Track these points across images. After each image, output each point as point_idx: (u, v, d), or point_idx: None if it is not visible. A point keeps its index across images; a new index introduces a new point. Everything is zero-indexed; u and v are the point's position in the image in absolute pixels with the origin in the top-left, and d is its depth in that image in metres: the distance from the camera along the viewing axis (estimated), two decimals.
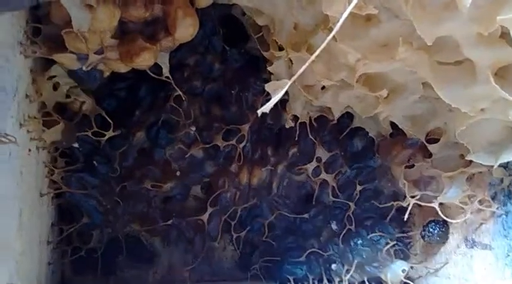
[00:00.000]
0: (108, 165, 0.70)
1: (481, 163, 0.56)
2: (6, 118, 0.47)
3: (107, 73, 0.58)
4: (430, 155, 0.62)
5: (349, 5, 0.38)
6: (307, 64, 0.43)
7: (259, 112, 0.46)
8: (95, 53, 0.53)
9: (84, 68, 0.54)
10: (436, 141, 0.60)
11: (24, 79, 0.53)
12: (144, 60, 0.55)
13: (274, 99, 0.44)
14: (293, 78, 0.45)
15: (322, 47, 0.40)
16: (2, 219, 0.48)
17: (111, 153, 0.70)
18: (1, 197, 0.48)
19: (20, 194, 0.52)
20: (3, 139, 0.42)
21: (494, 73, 0.46)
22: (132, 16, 0.53)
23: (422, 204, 0.63)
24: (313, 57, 0.41)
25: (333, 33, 0.40)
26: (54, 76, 0.57)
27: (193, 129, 0.72)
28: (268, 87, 0.57)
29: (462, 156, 0.59)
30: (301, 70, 0.43)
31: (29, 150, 0.55)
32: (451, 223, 0.65)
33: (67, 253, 0.71)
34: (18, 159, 0.51)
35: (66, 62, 0.54)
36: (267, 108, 0.45)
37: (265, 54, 0.66)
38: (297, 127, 0.71)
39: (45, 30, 0.53)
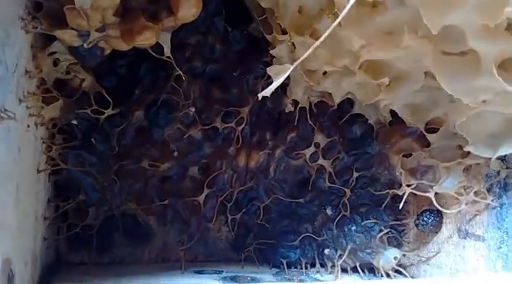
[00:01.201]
0: (106, 143, 0.69)
1: (478, 155, 0.56)
2: (6, 93, 0.47)
3: (107, 51, 0.57)
4: (428, 144, 0.62)
5: None
6: (310, 50, 0.42)
7: (259, 95, 0.46)
8: (96, 31, 0.52)
9: (85, 45, 0.53)
10: (435, 130, 0.60)
11: (24, 54, 0.52)
12: (145, 39, 0.55)
13: (276, 83, 0.44)
14: (295, 63, 0.44)
15: (327, 32, 0.39)
16: None
17: (110, 131, 0.69)
18: None
19: (17, 170, 0.52)
20: (2, 114, 0.42)
21: (497, 65, 0.46)
22: None
23: (418, 193, 0.63)
24: (317, 42, 0.41)
25: (339, 18, 0.40)
26: (55, 53, 0.56)
27: (193, 110, 0.72)
28: (270, 70, 0.57)
29: (460, 147, 0.60)
30: (305, 55, 0.43)
31: (28, 126, 0.55)
32: (445, 213, 0.66)
33: (62, 229, 0.72)
34: (17, 135, 0.50)
35: (67, 39, 0.53)
36: (268, 92, 0.45)
37: (268, 37, 0.65)
38: (297, 112, 0.71)
39: (46, 6, 0.52)
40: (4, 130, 0.47)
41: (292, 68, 0.43)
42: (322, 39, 0.40)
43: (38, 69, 0.55)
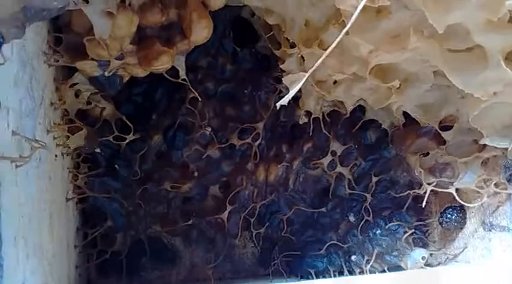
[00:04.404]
0: (128, 168, 0.71)
1: (495, 147, 0.57)
2: (36, 125, 0.49)
3: (126, 78, 0.59)
4: (444, 142, 0.63)
5: None
6: (323, 57, 0.44)
7: (277, 105, 0.47)
8: (115, 59, 0.55)
9: (106, 74, 0.55)
10: (449, 128, 0.61)
11: (49, 87, 0.54)
12: (162, 64, 0.57)
13: (293, 91, 0.46)
14: (310, 70, 0.46)
15: (338, 39, 0.41)
16: (35, 223, 0.50)
17: (131, 157, 0.71)
18: (33, 201, 0.49)
19: (49, 198, 0.54)
20: (35, 144, 0.44)
21: (504, 57, 0.48)
22: (149, 21, 0.55)
23: (439, 190, 0.64)
24: (329, 50, 0.43)
25: (349, 25, 0.42)
26: (76, 84, 0.59)
27: (209, 129, 0.74)
28: (285, 80, 0.59)
29: (476, 141, 0.61)
30: (319, 61, 0.44)
31: (55, 156, 0.57)
32: (468, 207, 0.66)
33: (92, 256, 0.73)
34: (47, 164, 0.52)
35: (87, 69, 0.55)
36: (285, 100, 0.47)
37: (276, 52, 0.67)
38: (311, 123, 0.73)
39: (66, 39, 0.54)
40: (36, 159, 0.49)
41: (307, 75, 0.45)
42: (333, 46, 0.42)
43: (61, 100, 0.57)
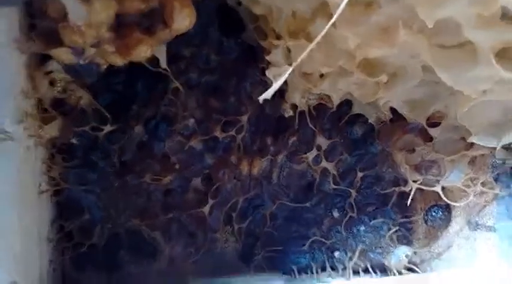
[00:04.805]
0: (106, 160, 0.69)
1: (483, 146, 0.56)
2: (4, 115, 0.47)
3: (104, 67, 0.57)
4: (431, 139, 0.62)
5: None
6: (308, 49, 0.42)
7: (260, 98, 0.45)
8: (91, 46, 0.52)
9: (81, 62, 0.53)
10: (436, 124, 0.60)
11: (20, 75, 0.52)
12: (141, 53, 0.55)
13: (276, 85, 0.44)
14: (294, 64, 0.44)
15: (323, 32, 0.39)
16: (2, 219, 0.48)
17: (110, 148, 0.69)
18: (1, 196, 0.47)
19: (18, 192, 0.51)
20: (2, 135, 0.42)
21: (495, 54, 0.46)
22: (128, 8, 0.52)
23: (425, 188, 0.63)
24: (314, 42, 0.41)
25: (335, 17, 0.40)
26: (51, 72, 0.56)
27: (192, 121, 0.72)
28: (269, 72, 0.57)
29: (463, 139, 0.59)
30: (302, 55, 0.42)
31: (27, 147, 0.54)
32: (454, 206, 0.65)
33: (68, 249, 0.71)
34: (16, 155, 0.50)
35: (63, 56, 0.53)
36: (268, 94, 0.45)
37: (262, 43, 0.65)
38: (296, 116, 0.71)
39: (40, 26, 0.52)
40: (4, 152, 0.46)
41: (292, 68, 0.43)
42: (318, 38, 0.40)
43: (34, 89, 0.54)
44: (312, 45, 0.42)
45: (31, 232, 0.57)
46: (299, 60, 0.44)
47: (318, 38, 0.40)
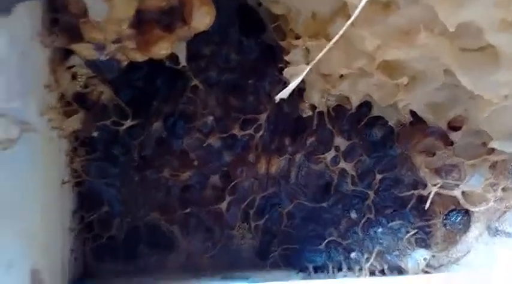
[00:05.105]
0: (127, 155, 0.70)
1: (503, 151, 0.55)
2: (29, 107, 0.48)
3: (124, 63, 0.58)
4: (451, 143, 0.61)
5: None
6: (326, 49, 0.42)
7: (277, 97, 0.46)
8: (112, 43, 0.53)
9: (102, 58, 0.54)
10: (457, 128, 0.59)
11: (44, 69, 0.53)
12: (160, 49, 0.55)
13: (293, 84, 0.44)
14: (311, 63, 0.44)
15: (341, 32, 0.39)
16: (26, 207, 0.49)
17: (130, 143, 0.70)
18: (25, 186, 0.49)
19: (42, 183, 0.53)
20: (25, 127, 0.43)
21: None
22: (148, 5, 0.53)
23: (444, 192, 0.62)
24: (332, 42, 0.41)
25: (352, 18, 0.40)
26: (73, 66, 0.57)
27: (211, 118, 0.73)
28: (286, 72, 0.57)
29: (484, 144, 0.58)
30: (320, 55, 0.42)
31: (50, 139, 0.56)
32: (473, 211, 0.64)
33: (88, 240, 0.73)
34: (39, 147, 0.51)
35: (84, 52, 0.54)
36: (285, 93, 0.45)
37: (281, 43, 0.65)
38: (315, 117, 0.71)
39: (62, 20, 0.53)
40: (29, 143, 0.48)
41: (308, 68, 0.43)
42: (336, 38, 0.40)
43: (57, 83, 0.56)
44: (330, 44, 0.42)
45: (54, 222, 0.59)
46: (317, 58, 0.44)
47: (337, 37, 0.40)
